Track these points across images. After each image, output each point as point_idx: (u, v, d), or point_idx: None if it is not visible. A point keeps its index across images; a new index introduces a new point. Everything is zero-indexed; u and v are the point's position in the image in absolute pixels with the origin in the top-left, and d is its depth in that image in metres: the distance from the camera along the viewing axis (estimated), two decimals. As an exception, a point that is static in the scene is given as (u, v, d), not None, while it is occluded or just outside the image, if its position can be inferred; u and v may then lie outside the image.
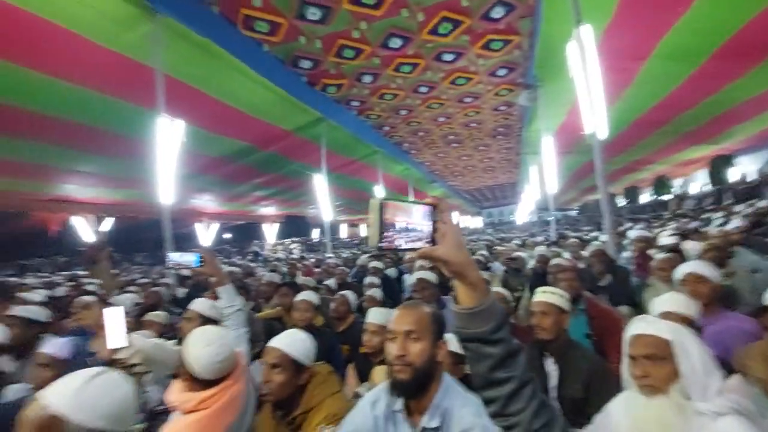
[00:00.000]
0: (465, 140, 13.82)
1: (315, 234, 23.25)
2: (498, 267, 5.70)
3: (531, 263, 5.01)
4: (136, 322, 2.78)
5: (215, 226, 16.00)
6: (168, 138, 4.68)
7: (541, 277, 3.87)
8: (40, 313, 2.49)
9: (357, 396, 2.12)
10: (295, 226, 20.45)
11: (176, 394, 1.43)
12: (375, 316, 2.35)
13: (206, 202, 12.80)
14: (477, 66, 7.80)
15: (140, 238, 12.79)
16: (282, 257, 13.91)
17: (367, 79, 7.93)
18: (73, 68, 4.83)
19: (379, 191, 11.84)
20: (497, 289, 3.13)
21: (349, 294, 3.36)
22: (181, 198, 5.02)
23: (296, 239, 22.32)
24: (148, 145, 4.88)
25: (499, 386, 0.73)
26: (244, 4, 5.20)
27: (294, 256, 13.72)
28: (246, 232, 20.56)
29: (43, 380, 1.97)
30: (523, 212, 25.27)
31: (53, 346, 1.95)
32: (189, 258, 1.97)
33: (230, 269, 6.98)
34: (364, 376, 2.55)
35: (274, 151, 9.12)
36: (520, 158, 16.29)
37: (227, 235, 21.30)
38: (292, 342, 1.55)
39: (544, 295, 2.02)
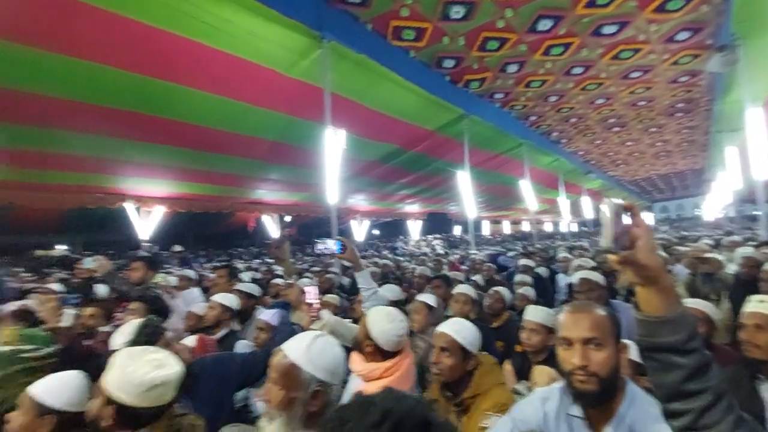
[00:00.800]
0: (630, 123, 11.93)
1: (456, 231, 23.31)
2: (681, 270, 4.79)
3: (730, 267, 4.07)
4: (316, 303, 3.30)
5: (366, 223, 17.53)
6: (333, 146, 5.35)
7: (747, 284, 3.17)
8: (255, 289, 3.18)
9: (516, 393, 2.10)
10: (437, 223, 20.87)
11: (360, 365, 1.67)
12: (535, 314, 2.28)
13: (359, 201, 14.13)
14: (648, 34, 6.66)
15: (310, 233, 14.95)
16: (427, 252, 14.40)
17: (512, 68, 7.58)
18: (262, 95, 5.95)
19: (525, 186, 11.19)
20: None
21: (504, 291, 3.32)
22: (341, 198, 5.70)
23: (438, 236, 22.73)
24: (318, 154, 5.65)
25: (691, 398, 0.69)
26: (393, 16, 5.57)
27: (438, 252, 14.05)
28: (393, 229, 21.92)
29: (260, 340, 2.52)
30: (713, 205, 20.43)
31: (266, 315, 2.47)
32: (332, 245, 2.29)
33: (384, 262, 7.58)
34: (520, 374, 2.49)
35: (419, 151, 9.50)
36: (709, 138, 13.26)
37: (376, 231, 23.03)
38: (461, 329, 1.64)
39: (762, 305, 1.65)
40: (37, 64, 4.29)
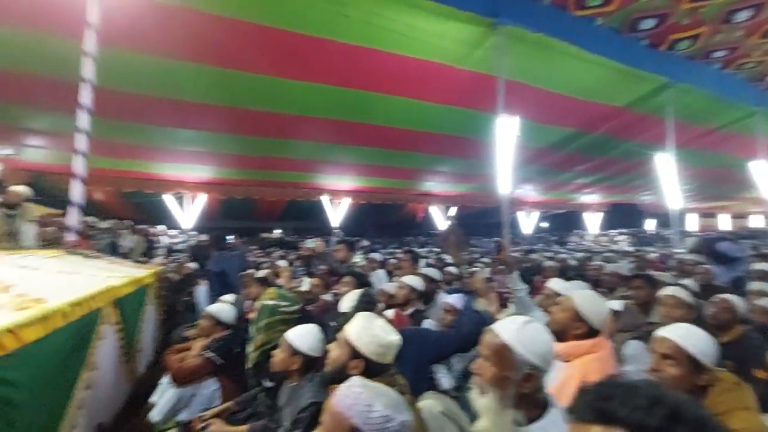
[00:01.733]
0: None
1: (648, 225, 19.50)
2: None
3: None
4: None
5: (535, 215, 16.35)
6: (505, 134, 5.18)
7: None
8: (437, 274, 3.40)
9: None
10: (622, 216, 17.91)
11: (560, 344, 1.63)
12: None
13: (528, 191, 13.30)
14: None
15: (475, 223, 14.90)
16: (615, 249, 12.53)
17: (742, 15, 5.86)
18: (437, 92, 6.18)
19: (759, 168, 8.54)
20: None
21: (735, 299, 2.65)
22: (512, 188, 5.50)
23: (624, 230, 19.49)
24: (488, 144, 5.57)
25: None
26: (575, -18, 5.00)
27: (627, 249, 12.06)
28: (565, 222, 19.85)
29: (446, 321, 2.69)
30: None
31: (452, 298, 2.61)
32: (491, 246, 2.20)
33: (562, 257, 6.97)
34: (763, 406, 1.97)
35: (602, 133, 8.32)
36: None
37: (544, 224, 21.27)
38: (689, 336, 1.41)
39: None
40: (273, 88, 5.57)
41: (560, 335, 1.65)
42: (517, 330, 1.19)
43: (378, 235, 16.44)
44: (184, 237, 10.83)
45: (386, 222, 16.67)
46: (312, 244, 4.04)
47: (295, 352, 1.79)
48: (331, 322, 2.16)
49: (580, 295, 1.74)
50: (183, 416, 2.44)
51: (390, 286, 3.43)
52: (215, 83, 5.47)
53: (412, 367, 2.08)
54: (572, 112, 7.30)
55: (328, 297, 2.94)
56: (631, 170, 10.79)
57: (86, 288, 2.07)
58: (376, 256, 5.75)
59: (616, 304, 2.52)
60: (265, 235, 14.01)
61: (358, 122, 6.85)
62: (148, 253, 7.92)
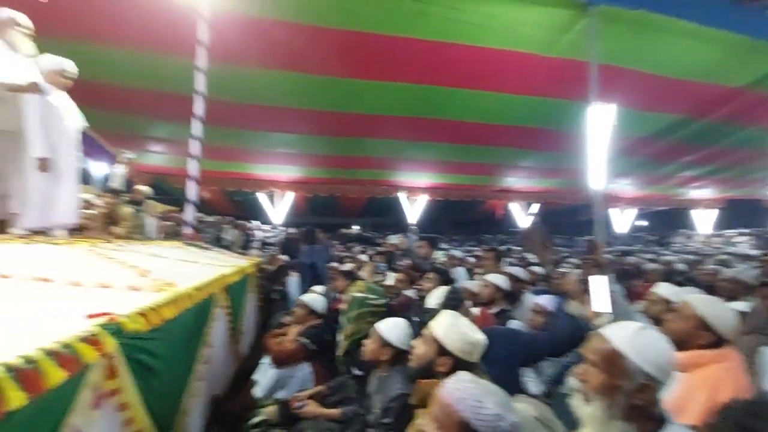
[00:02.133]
0: None
1: (776, 224, 16.41)
2: None
3: None
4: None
5: (630, 212, 14.73)
6: (599, 124, 4.74)
7: None
8: (522, 273, 3.25)
9: None
10: (742, 214, 15.36)
11: (686, 356, 1.47)
12: None
13: (623, 186, 12.03)
14: None
15: (560, 221, 13.93)
16: (734, 252, 10.82)
17: None
18: (519, 82, 5.87)
19: None
20: None
21: None
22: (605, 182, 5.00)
23: (744, 230, 16.73)
24: (576, 136, 5.14)
25: None
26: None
27: (749, 252, 10.33)
28: (667, 220, 17.59)
29: (536, 322, 2.55)
30: None
31: (542, 299, 2.47)
32: (579, 245, 1.99)
33: (666, 259, 6.22)
34: None
35: (716, 118, 7.19)
36: None
37: (642, 223, 19.08)
38: None
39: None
40: (355, 90, 5.77)
41: (680, 345, 1.47)
42: (631, 336, 1.09)
43: (454, 232, 16.18)
44: (275, 231, 11.76)
45: (463, 219, 16.34)
46: (395, 240, 4.13)
47: (385, 344, 1.84)
48: (413, 317, 2.19)
49: (702, 301, 1.56)
50: (281, 395, 2.66)
51: (473, 284, 3.35)
52: (304, 89, 5.84)
53: (500, 368, 2.01)
54: (679, 97, 6.43)
55: (410, 293, 2.97)
56: (754, 160, 9.20)
57: (204, 275, 2.34)
58: (456, 253, 5.66)
59: (742, 306, 2.18)
60: (344, 230, 14.59)
61: (437, 119, 6.80)
62: (245, 245, 8.75)
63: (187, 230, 4.18)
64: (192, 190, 4.31)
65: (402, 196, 11.21)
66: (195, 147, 4.30)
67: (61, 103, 2.84)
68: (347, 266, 4.45)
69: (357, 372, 2.39)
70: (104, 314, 1.12)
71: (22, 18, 2.76)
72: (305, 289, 3.98)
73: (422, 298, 2.73)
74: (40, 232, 2.80)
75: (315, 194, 11.39)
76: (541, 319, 2.44)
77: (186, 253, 3.35)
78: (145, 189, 5.33)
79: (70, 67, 2.91)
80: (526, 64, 5.42)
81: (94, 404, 1.01)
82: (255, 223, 11.84)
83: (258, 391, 2.70)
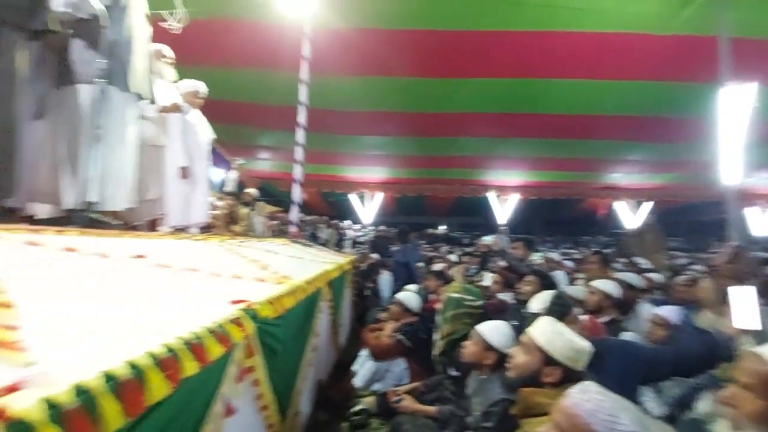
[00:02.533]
0: None
1: None
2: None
3: None
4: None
5: (775, 212, 12.21)
6: (734, 107, 4.05)
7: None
8: (636, 280, 2.91)
9: None
10: None
11: None
12: None
13: (764, 180, 10.04)
14: None
15: (677, 222, 12.14)
16: None
17: None
18: (628, 67, 5.25)
19: None
20: None
21: None
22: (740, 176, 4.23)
23: None
24: (700, 122, 4.44)
25: None
26: None
27: None
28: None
29: (656, 336, 2.27)
30: None
31: (664, 310, 2.19)
32: (703, 248, 1.63)
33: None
34: None
35: None
36: None
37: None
38: None
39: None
40: (445, 90, 5.76)
41: None
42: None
43: (547, 233, 15.08)
44: (365, 230, 12.24)
45: (558, 219, 15.16)
46: (488, 240, 4.00)
47: (488, 347, 1.80)
48: (511, 321, 2.09)
49: None
50: (378, 387, 2.76)
51: (576, 291, 3.10)
52: (395, 93, 5.99)
53: (613, 384, 1.82)
54: None
55: (505, 296, 2.86)
56: None
57: (311, 270, 2.54)
58: (554, 255, 5.29)
59: None
60: (431, 230, 14.56)
61: (532, 113, 6.44)
62: (338, 243, 9.26)
63: (292, 229, 4.57)
64: (296, 193, 4.71)
65: (491, 196, 10.82)
66: (299, 153, 4.68)
67: (195, 119, 3.33)
68: (438, 266, 4.45)
69: (453, 372, 2.38)
70: (243, 301, 1.29)
71: (167, 50, 3.29)
72: (398, 287, 4.07)
73: (520, 302, 2.61)
74: (181, 230, 3.31)
75: (403, 194, 11.58)
76: (662, 332, 2.16)
77: (293, 249, 3.67)
78: (253, 192, 5.95)
79: (202, 88, 3.40)
80: (636, 46, 4.85)
81: (238, 378, 1.17)
82: (347, 223, 12.47)
83: (357, 381, 2.84)
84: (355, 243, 10.57)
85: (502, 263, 3.23)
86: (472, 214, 13.97)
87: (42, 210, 2.16)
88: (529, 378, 1.52)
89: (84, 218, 1.82)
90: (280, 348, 1.62)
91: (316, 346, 2.48)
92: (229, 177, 5.46)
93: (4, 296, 0.82)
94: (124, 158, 2.18)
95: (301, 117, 4.63)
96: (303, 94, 4.65)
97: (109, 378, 0.62)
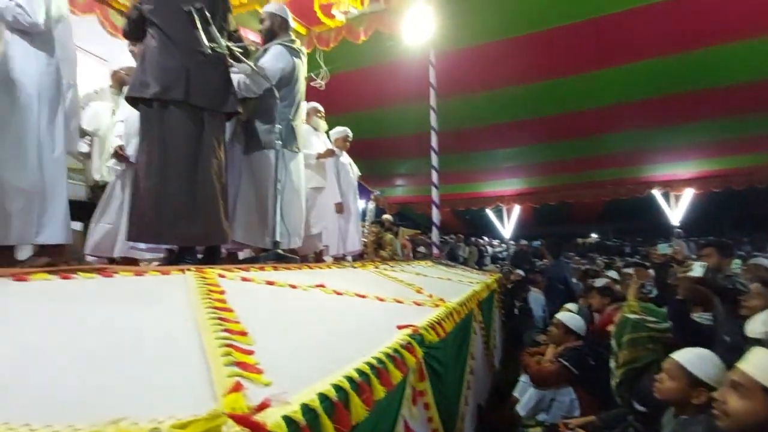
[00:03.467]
0: None
1: None
2: None
3: None
4: None
5: None
6: None
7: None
8: None
9: None
10: None
11: None
12: None
13: None
14: None
15: None
16: None
17: None
18: None
19: None
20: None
21: None
22: None
23: None
24: None
25: None
26: None
27: None
28: None
29: None
30: None
31: None
32: None
33: None
34: None
35: None
36: None
37: None
38: None
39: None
40: (586, 85, 5.23)
41: None
42: None
43: (742, 233, 11.73)
44: (505, 246, 11.65)
45: (755, 213, 11.75)
46: (666, 249, 3.30)
47: (695, 382, 1.46)
48: (716, 349, 1.66)
49: None
50: (543, 417, 2.52)
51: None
52: (527, 100, 5.69)
53: None
54: None
55: (699, 316, 2.29)
56: None
57: (461, 291, 2.52)
58: (764, 261, 4.07)
59: None
60: (581, 240, 12.98)
61: (699, 90, 5.27)
62: (479, 261, 9.01)
63: (435, 250, 4.67)
64: (435, 215, 4.81)
65: (657, 194, 9.09)
66: (434, 176, 4.80)
67: (346, 160, 3.76)
68: (600, 281, 3.89)
69: (639, 407, 2.01)
70: (409, 326, 1.35)
71: (320, 106, 3.83)
72: (554, 305, 3.71)
73: (719, 325, 2.06)
74: (340, 258, 3.70)
75: (543, 203, 10.68)
76: None
77: (439, 270, 3.72)
78: (390, 218, 6.24)
79: (350, 133, 3.83)
80: None
81: (413, 400, 1.22)
82: (485, 239, 12.08)
83: (520, 409, 2.65)
84: (495, 259, 10.14)
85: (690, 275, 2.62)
86: (631, 218, 11.94)
87: (242, 250, 2.71)
88: (754, 427, 1.17)
89: (274, 255, 2.21)
90: (443, 372, 1.64)
91: (474, 369, 2.41)
92: (369, 207, 5.93)
93: (240, 325, 1.04)
94: (297, 204, 2.58)
95: (434, 142, 4.77)
96: (433, 119, 4.80)
97: (323, 399, 0.71)
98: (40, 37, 1.72)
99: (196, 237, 1.99)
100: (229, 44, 2.03)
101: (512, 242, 11.34)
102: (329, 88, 5.06)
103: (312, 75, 4.80)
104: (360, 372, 0.89)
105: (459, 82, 5.34)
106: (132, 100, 1.95)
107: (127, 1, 3.43)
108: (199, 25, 1.81)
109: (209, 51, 1.88)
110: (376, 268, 2.81)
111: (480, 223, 12.28)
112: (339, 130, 3.82)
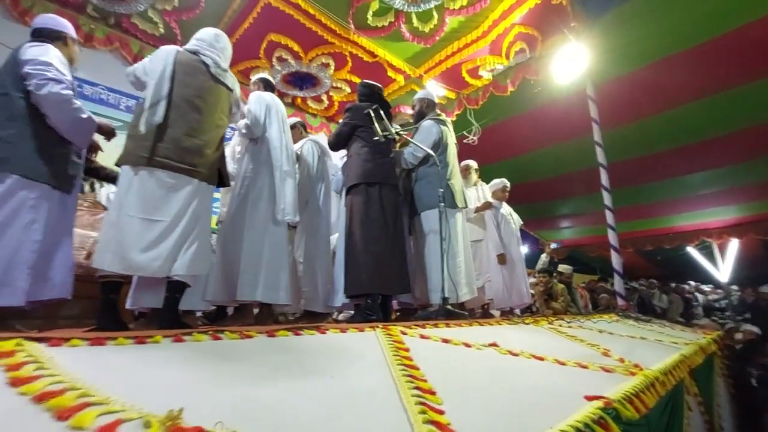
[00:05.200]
0: None
1: None
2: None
3: None
4: None
5: None
6: None
7: None
8: None
9: None
10: None
11: None
12: None
13: None
14: None
15: None
16: None
17: None
18: None
19: None
20: None
21: None
22: None
23: None
24: None
25: None
26: None
27: None
28: None
29: None
30: None
31: None
32: None
33: None
34: None
35: None
36: None
37: None
38: None
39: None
40: None
41: None
42: None
43: None
44: (722, 292, 9.03)
45: None
46: None
47: None
48: None
49: None
50: None
51: None
52: (720, 111, 4.65)
53: None
54: None
55: None
56: None
57: (662, 355, 2.12)
58: None
59: None
60: None
61: None
62: (685, 313, 7.21)
63: (619, 301, 4.03)
64: (616, 259, 4.22)
65: None
66: (609, 217, 4.28)
67: (505, 210, 3.75)
68: None
69: None
70: (599, 397, 1.23)
71: (473, 162, 4.00)
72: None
73: None
74: (507, 312, 3.58)
75: (776, 233, 7.97)
76: None
77: (627, 327, 3.18)
78: (568, 268, 5.59)
79: (507, 183, 3.85)
80: None
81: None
82: (692, 284, 9.59)
83: None
84: (709, 310, 7.93)
85: None
86: None
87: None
88: None
89: (444, 311, 2.33)
90: (649, 456, 1.40)
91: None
92: (542, 259, 5.49)
93: (428, 383, 1.16)
94: (462, 258, 2.70)
95: (604, 179, 4.30)
96: (600, 155, 4.37)
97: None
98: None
99: (397, 287, 2.36)
100: (397, 129, 2.43)
101: (734, 287, 8.68)
102: (482, 141, 5.23)
103: (464, 133, 5.08)
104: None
105: (625, 110, 4.79)
106: (353, 186, 2.54)
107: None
108: (375, 121, 2.24)
109: (383, 139, 2.29)
110: (550, 323, 2.61)
111: (678, 264, 9.84)
112: (496, 183, 3.87)
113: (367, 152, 2.49)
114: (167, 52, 1.97)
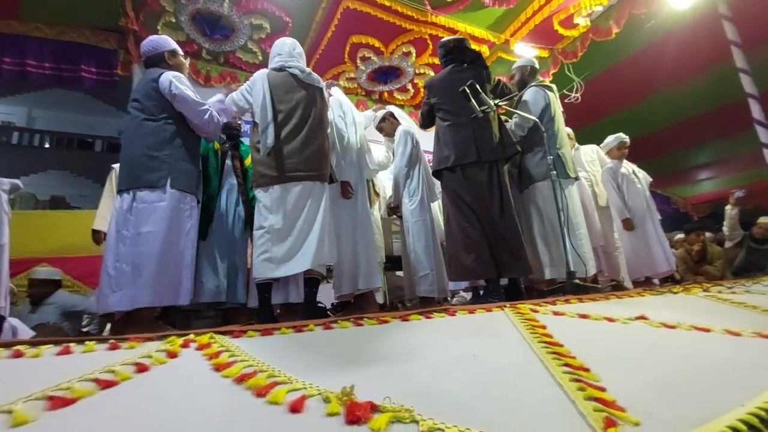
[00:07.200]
0: None
1: None
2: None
3: None
4: None
5: None
6: None
7: None
8: None
9: None
10: None
11: None
12: None
13: None
14: None
15: None
16: None
17: None
18: None
19: None
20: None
21: None
22: None
23: None
24: None
25: None
26: None
27: None
28: None
29: None
30: None
31: None
32: None
33: None
34: None
35: None
36: None
37: None
38: None
39: None
40: None
41: None
42: None
43: None
44: None
45: None
46: None
47: None
48: None
49: None
50: None
51: None
52: None
53: None
54: None
55: None
56: None
57: None
58: None
59: None
60: None
61: None
62: None
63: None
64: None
65: None
66: (769, 155, 3.47)
67: (627, 168, 3.30)
68: None
69: None
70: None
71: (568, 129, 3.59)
72: None
73: None
74: (641, 283, 3.17)
75: None
76: None
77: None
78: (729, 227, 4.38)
79: (624, 138, 3.37)
80: None
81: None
82: None
83: None
84: None
85: None
86: None
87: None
88: None
89: (572, 286, 2.16)
90: None
91: None
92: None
93: (577, 360, 1.09)
94: (584, 231, 2.48)
95: (756, 112, 3.49)
96: (747, 83, 3.55)
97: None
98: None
99: (505, 269, 2.23)
100: (497, 101, 2.31)
101: None
102: (586, 98, 4.68)
103: (564, 92, 4.60)
104: (749, 426, 0.76)
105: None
106: (437, 173, 2.47)
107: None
108: (471, 98, 2.16)
109: (481, 114, 2.19)
110: (706, 291, 2.24)
111: None
112: (609, 141, 3.42)
113: (444, 132, 2.38)
114: (260, 77, 2.14)
